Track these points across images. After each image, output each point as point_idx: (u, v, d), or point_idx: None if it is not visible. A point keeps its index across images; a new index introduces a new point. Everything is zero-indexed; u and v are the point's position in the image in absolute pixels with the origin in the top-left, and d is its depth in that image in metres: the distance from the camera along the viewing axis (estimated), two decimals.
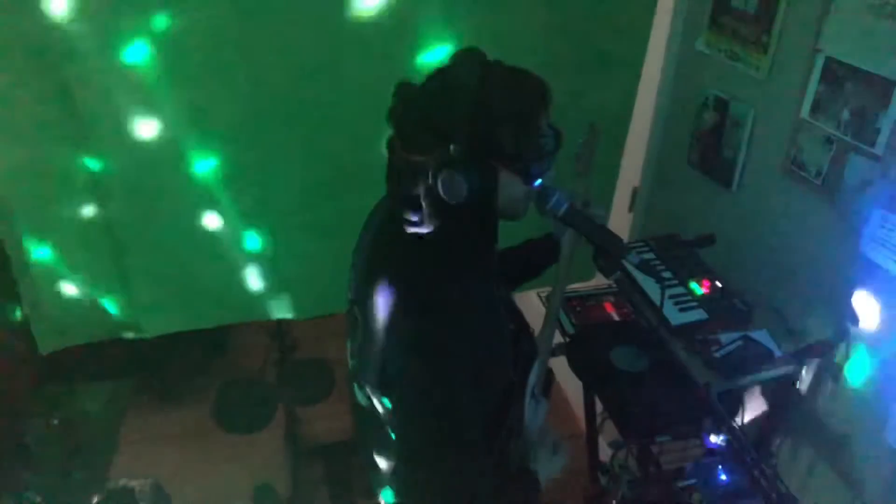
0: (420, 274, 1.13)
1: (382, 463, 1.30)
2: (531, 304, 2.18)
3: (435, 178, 1.04)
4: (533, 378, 1.33)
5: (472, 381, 1.10)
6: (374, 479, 1.39)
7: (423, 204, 1.09)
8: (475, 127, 1.04)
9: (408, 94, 1.10)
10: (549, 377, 1.44)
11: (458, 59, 1.10)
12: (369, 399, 1.24)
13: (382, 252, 1.21)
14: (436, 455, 1.12)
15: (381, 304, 1.15)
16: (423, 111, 1.07)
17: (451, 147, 1.03)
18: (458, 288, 1.11)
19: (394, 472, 1.26)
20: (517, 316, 1.33)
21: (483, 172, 1.06)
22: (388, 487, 1.34)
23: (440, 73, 1.10)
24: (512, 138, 1.07)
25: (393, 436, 1.20)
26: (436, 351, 1.08)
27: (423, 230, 1.13)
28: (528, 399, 1.32)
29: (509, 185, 1.11)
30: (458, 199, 1.04)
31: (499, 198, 1.11)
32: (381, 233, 1.24)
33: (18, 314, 2.13)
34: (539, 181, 1.15)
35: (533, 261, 1.53)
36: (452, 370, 1.08)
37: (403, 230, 1.16)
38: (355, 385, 1.28)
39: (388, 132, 1.14)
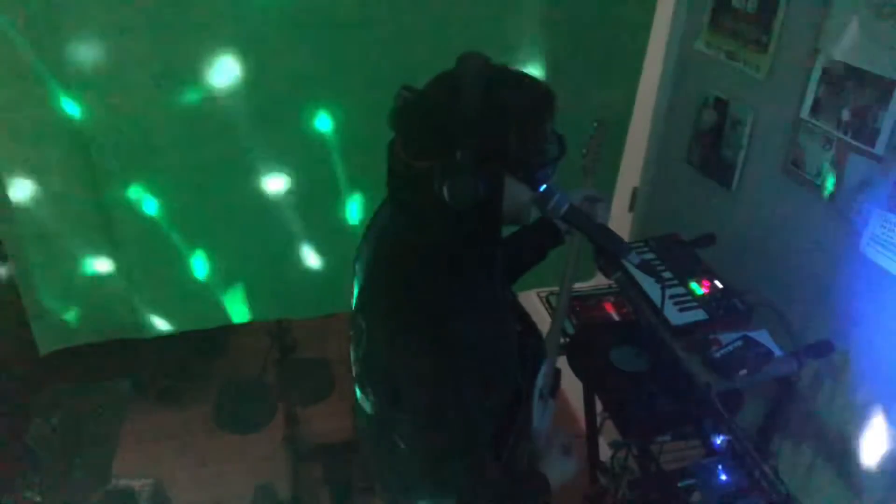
0: (424, 283, 1.12)
1: (387, 469, 1.29)
2: (531, 304, 2.18)
3: (441, 184, 1.03)
4: (541, 379, 1.33)
5: (480, 388, 1.09)
6: (378, 484, 1.38)
7: (428, 210, 1.09)
8: (483, 133, 1.03)
9: (411, 98, 1.09)
10: (556, 377, 1.43)
11: (463, 63, 1.08)
12: (373, 406, 1.23)
13: (385, 260, 1.19)
14: (446, 462, 1.11)
15: (387, 314, 1.14)
16: (428, 116, 1.06)
17: (458, 153, 1.02)
18: (464, 296, 1.10)
19: (401, 477, 1.26)
20: (524, 317, 1.33)
21: (489, 178, 1.05)
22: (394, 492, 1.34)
23: (445, 78, 1.09)
24: (519, 144, 1.06)
25: (401, 443, 1.20)
26: (443, 361, 1.07)
27: (427, 237, 1.13)
28: (536, 400, 1.32)
29: (514, 191, 1.11)
30: (464, 206, 1.03)
31: (504, 203, 1.10)
32: (382, 239, 1.23)
33: (18, 313, 2.13)
34: (544, 186, 1.15)
35: (533, 246, 1.50)
36: (461, 379, 1.08)
37: (406, 237, 1.16)
38: (359, 391, 1.28)
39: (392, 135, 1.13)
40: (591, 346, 1.96)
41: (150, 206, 1.94)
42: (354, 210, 2.10)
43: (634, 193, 2.52)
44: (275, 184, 1.99)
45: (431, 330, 1.08)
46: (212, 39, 1.73)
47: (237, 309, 2.20)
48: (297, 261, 2.15)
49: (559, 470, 1.31)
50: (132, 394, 3.26)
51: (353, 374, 1.29)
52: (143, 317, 2.13)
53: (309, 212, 2.06)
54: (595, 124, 1.46)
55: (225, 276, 2.12)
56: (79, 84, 1.72)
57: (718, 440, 1.63)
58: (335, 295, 2.25)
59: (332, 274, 2.20)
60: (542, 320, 1.55)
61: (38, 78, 1.70)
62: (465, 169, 1.02)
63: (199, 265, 2.09)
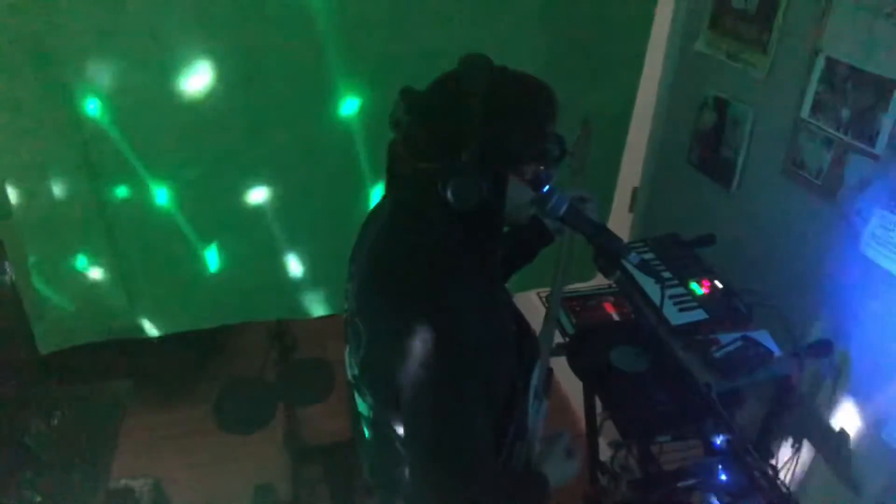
0: (424, 284, 1.11)
1: (385, 471, 1.29)
2: (531, 304, 2.18)
3: (444, 185, 1.03)
4: (535, 378, 1.33)
5: (480, 390, 1.09)
6: (374, 486, 1.38)
7: (430, 211, 1.08)
8: (486, 134, 1.03)
9: (413, 100, 1.09)
10: (549, 376, 1.43)
11: (466, 65, 1.08)
12: (371, 409, 1.23)
13: (383, 261, 1.19)
14: (446, 464, 1.11)
15: (386, 315, 1.14)
16: (431, 118, 1.06)
17: (462, 154, 1.02)
18: (464, 297, 1.10)
19: (400, 480, 1.26)
20: (519, 317, 1.33)
21: (493, 179, 1.05)
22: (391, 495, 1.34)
23: (448, 80, 1.09)
24: (522, 145, 1.06)
25: (398, 446, 1.20)
26: (444, 362, 1.07)
27: (428, 238, 1.13)
28: (531, 400, 1.32)
29: (517, 192, 1.11)
30: (468, 207, 1.03)
31: (506, 204, 1.10)
32: (380, 240, 1.22)
33: (18, 313, 2.13)
34: (547, 187, 1.15)
35: (524, 247, 1.50)
36: (461, 380, 1.08)
37: (404, 238, 1.16)
38: (356, 394, 1.27)
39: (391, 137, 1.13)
40: (591, 346, 1.96)
41: (150, 206, 1.94)
42: (355, 209, 2.10)
43: (634, 193, 2.52)
44: (275, 183, 1.99)
45: (431, 331, 1.08)
46: (211, 39, 1.73)
47: (237, 309, 2.20)
48: (297, 261, 2.15)
49: (561, 471, 1.32)
50: (132, 394, 3.26)
51: (349, 376, 1.29)
52: (144, 317, 2.13)
53: (310, 211, 2.06)
54: (581, 125, 1.46)
55: (225, 275, 2.12)
56: (78, 81, 1.72)
57: (718, 440, 1.63)
58: (335, 295, 2.26)
59: (333, 274, 2.20)
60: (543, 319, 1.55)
61: (37, 74, 1.70)
62: (470, 170, 1.02)
63: (200, 265, 2.09)
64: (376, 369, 1.18)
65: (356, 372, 1.26)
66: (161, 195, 1.93)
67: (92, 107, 1.76)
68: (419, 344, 1.09)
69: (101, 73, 1.71)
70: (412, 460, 1.17)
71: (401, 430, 1.17)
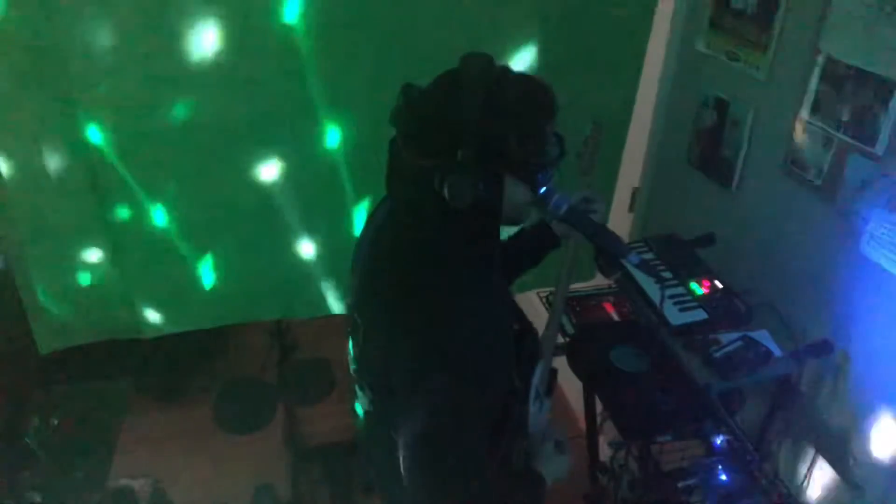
0: (421, 281, 1.12)
1: (385, 467, 1.30)
2: (531, 304, 2.18)
3: (441, 182, 1.04)
4: (537, 378, 1.33)
5: (475, 388, 1.10)
6: (374, 479, 1.39)
7: (427, 208, 1.09)
8: (484, 133, 1.03)
9: (414, 96, 1.09)
10: (552, 377, 1.43)
11: (467, 63, 1.09)
12: (371, 403, 1.24)
13: (383, 257, 1.20)
14: (440, 460, 1.12)
15: (383, 311, 1.14)
16: (431, 115, 1.07)
17: (459, 152, 1.02)
18: (460, 294, 1.10)
19: (399, 475, 1.26)
20: (520, 317, 1.33)
21: (490, 178, 1.06)
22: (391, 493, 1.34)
23: (448, 77, 1.09)
24: (520, 145, 1.06)
25: (396, 439, 1.20)
26: (439, 360, 1.07)
27: (426, 235, 1.13)
28: (532, 399, 1.32)
29: (514, 191, 1.11)
30: (463, 205, 1.04)
31: (503, 203, 1.10)
32: (380, 237, 1.23)
33: (18, 314, 2.13)
34: (545, 187, 1.15)
35: (531, 250, 1.51)
36: (456, 379, 1.08)
37: (404, 234, 1.16)
38: (356, 388, 1.28)
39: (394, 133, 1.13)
40: (591, 346, 1.96)
41: (150, 206, 1.94)
42: (355, 210, 2.10)
43: (634, 193, 2.52)
44: (275, 185, 1.99)
45: (427, 328, 1.09)
46: (211, 42, 1.74)
47: (237, 309, 2.20)
48: (297, 261, 2.15)
49: (553, 467, 1.32)
50: (132, 394, 3.27)
51: (350, 371, 1.30)
52: (143, 317, 2.13)
53: (310, 212, 2.07)
54: (591, 125, 1.46)
55: (225, 276, 2.12)
56: (81, 89, 1.72)
57: (718, 440, 1.64)
58: (335, 295, 2.26)
59: (333, 274, 2.20)
60: (543, 320, 1.55)
61: (42, 82, 1.70)
62: (466, 168, 1.03)
63: (200, 265, 2.09)
64: (373, 363, 1.19)
65: (356, 366, 1.26)
66: (161, 198, 1.93)
67: (93, 118, 1.76)
68: (414, 340, 1.09)
69: (102, 84, 1.72)
70: (408, 456, 1.18)
71: (398, 424, 1.17)
